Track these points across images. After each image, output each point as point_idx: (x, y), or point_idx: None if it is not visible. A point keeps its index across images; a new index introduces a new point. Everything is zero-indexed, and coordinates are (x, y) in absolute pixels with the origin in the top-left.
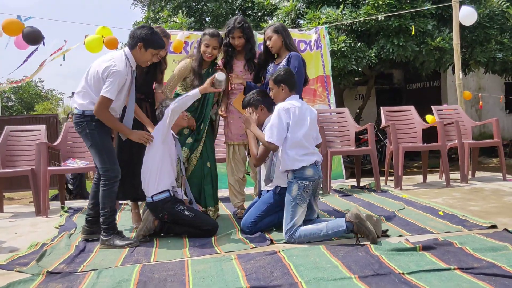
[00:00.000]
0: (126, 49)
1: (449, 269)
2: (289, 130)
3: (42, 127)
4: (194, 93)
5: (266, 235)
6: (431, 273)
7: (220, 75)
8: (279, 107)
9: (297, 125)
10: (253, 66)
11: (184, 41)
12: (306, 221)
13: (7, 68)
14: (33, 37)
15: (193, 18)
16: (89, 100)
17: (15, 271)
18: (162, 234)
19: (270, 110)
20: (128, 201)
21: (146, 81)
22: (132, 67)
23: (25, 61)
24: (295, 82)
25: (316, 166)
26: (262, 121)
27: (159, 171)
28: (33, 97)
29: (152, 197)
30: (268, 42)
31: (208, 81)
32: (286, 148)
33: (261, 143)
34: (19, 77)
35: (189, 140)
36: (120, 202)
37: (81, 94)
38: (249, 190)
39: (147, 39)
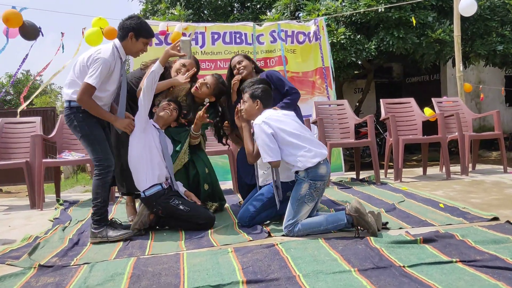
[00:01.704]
0: (116, 40)
1: (451, 262)
2: (278, 137)
3: (37, 119)
4: (156, 66)
5: (264, 228)
6: (432, 266)
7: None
8: (256, 124)
9: (283, 127)
10: (217, 117)
11: (182, 33)
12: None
13: (5, 61)
14: (30, 34)
15: (191, 10)
16: (74, 90)
17: (6, 264)
18: (157, 227)
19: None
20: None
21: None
22: (122, 58)
23: (24, 59)
24: (271, 101)
25: (327, 162)
26: (251, 116)
27: (146, 163)
28: (32, 91)
29: (144, 192)
30: (238, 65)
31: (169, 47)
32: (291, 149)
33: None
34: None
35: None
36: (116, 194)
37: (68, 83)
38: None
39: (138, 29)
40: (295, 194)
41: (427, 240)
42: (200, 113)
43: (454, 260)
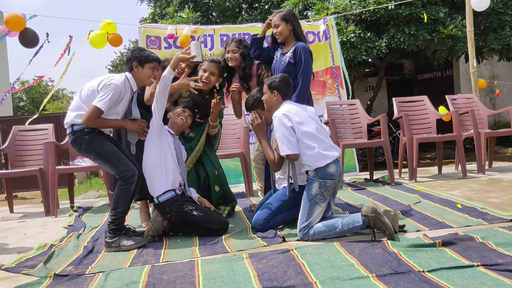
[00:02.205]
0: (127, 73)
1: (472, 266)
2: (296, 133)
3: (50, 126)
4: (167, 71)
5: (278, 233)
6: (453, 270)
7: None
8: (277, 116)
9: (301, 124)
10: (245, 85)
11: (190, 36)
12: (321, 219)
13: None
14: (30, 42)
15: (199, 13)
16: (76, 113)
17: (22, 273)
18: (171, 234)
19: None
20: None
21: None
22: (133, 88)
23: (30, 61)
24: (290, 92)
25: (338, 162)
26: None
27: (160, 169)
28: (44, 97)
29: (157, 198)
30: (274, 30)
31: (179, 52)
32: (303, 149)
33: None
34: (30, 77)
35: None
36: None
37: (73, 107)
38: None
39: (139, 56)
40: (306, 194)
41: (446, 243)
42: (214, 101)
43: (475, 264)
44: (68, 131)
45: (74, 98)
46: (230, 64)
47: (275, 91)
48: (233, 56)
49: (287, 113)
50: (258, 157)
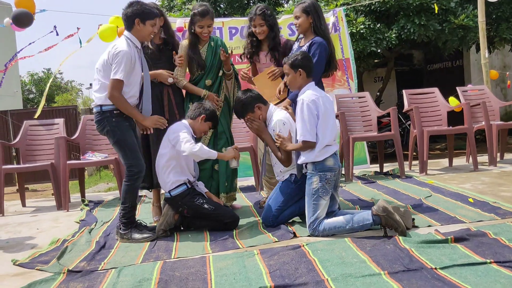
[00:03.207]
0: (126, 32)
1: (485, 263)
2: (318, 124)
3: (61, 120)
4: (212, 155)
5: (289, 228)
6: (465, 267)
7: (233, 162)
8: (304, 100)
9: (324, 117)
10: (276, 55)
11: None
12: (328, 213)
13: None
14: (22, 19)
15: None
16: (105, 93)
17: (36, 269)
18: (182, 228)
19: (265, 102)
20: (148, 194)
21: (162, 67)
22: (138, 46)
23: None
24: (312, 67)
25: (336, 155)
26: (265, 117)
27: (175, 164)
28: (53, 89)
29: (169, 192)
30: (295, 21)
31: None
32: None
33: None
34: (39, 69)
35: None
36: (140, 194)
37: (97, 88)
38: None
39: (141, 13)
40: (308, 190)
41: (459, 239)
42: (220, 53)
43: (488, 261)
44: (95, 110)
45: (94, 79)
46: (259, 38)
47: (300, 69)
48: (261, 30)
49: (316, 99)
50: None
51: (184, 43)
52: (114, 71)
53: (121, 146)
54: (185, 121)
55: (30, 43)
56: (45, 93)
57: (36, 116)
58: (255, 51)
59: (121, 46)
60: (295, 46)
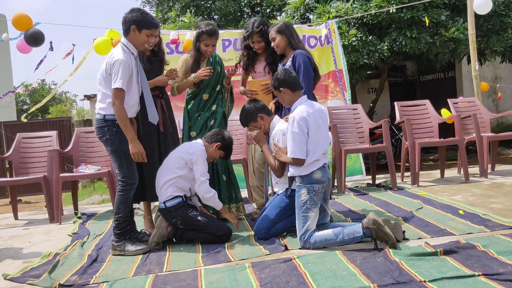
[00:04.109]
0: (123, 38)
1: (473, 275)
2: (308, 140)
3: (54, 133)
4: (217, 207)
5: (281, 241)
6: (454, 280)
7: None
8: (295, 118)
9: (315, 133)
10: (275, 68)
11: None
12: (320, 225)
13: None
14: (35, 38)
15: (201, 17)
16: (107, 103)
17: (27, 283)
18: (174, 240)
19: (269, 113)
20: (141, 206)
21: (152, 78)
22: (134, 53)
23: (36, 68)
24: (294, 80)
25: (324, 168)
26: (267, 128)
27: (176, 184)
28: (47, 100)
29: (164, 203)
30: (272, 43)
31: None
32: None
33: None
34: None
35: None
36: (134, 205)
37: (100, 98)
38: None
39: (139, 20)
40: (297, 202)
41: (448, 251)
42: (230, 71)
43: (476, 273)
44: (98, 116)
45: (98, 91)
46: (258, 52)
47: (281, 88)
48: (259, 46)
49: (306, 117)
50: (260, 161)
51: (185, 57)
52: (113, 80)
53: (118, 156)
54: (200, 142)
55: (35, 68)
56: (40, 104)
57: (23, 118)
58: (251, 63)
59: (117, 55)
60: (280, 67)
